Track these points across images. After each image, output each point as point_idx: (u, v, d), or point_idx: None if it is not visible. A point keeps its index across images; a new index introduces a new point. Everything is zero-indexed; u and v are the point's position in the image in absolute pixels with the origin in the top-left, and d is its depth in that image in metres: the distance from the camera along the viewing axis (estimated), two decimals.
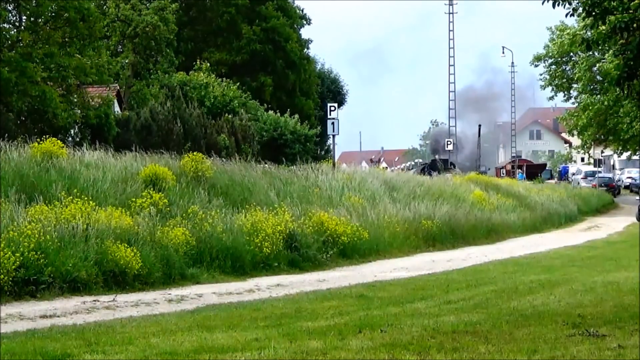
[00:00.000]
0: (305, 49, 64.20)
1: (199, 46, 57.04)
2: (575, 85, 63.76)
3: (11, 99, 29.84)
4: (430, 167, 69.38)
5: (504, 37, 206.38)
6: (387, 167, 74.90)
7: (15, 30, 33.61)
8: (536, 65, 66.15)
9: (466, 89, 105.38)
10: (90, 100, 34.46)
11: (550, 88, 65.90)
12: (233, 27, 57.42)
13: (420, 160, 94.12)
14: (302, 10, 65.22)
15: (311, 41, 66.34)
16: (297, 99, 59.40)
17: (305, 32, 67.24)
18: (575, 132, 67.35)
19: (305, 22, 65.09)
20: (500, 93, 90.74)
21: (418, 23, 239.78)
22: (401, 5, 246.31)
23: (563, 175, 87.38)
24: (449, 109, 73.48)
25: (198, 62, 49.58)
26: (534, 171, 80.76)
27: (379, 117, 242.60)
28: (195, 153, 26.34)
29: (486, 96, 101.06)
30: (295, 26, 61.99)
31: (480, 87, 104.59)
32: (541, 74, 66.07)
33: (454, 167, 69.67)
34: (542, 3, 12.92)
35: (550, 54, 64.05)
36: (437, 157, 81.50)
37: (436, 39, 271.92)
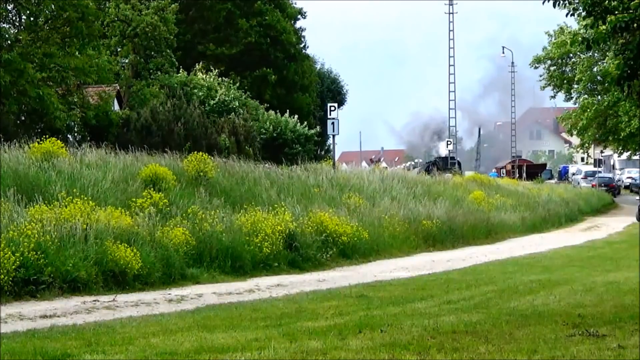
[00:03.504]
0: (302, 42, 64.27)
1: (197, 41, 57.09)
2: (575, 86, 63.74)
3: (8, 101, 29.82)
4: (434, 166, 69.42)
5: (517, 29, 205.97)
6: (387, 167, 74.91)
7: (14, 30, 33.60)
8: (536, 67, 66.16)
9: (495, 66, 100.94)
10: (90, 99, 34.46)
11: (550, 88, 65.88)
12: (230, 23, 57.56)
13: (421, 160, 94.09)
14: (302, 9, 65.32)
15: (304, 29, 66.46)
16: (297, 95, 59.44)
17: (302, 29, 67.26)
18: (574, 132, 67.31)
19: (300, 16, 65.15)
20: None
21: (420, 23, 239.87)
22: (403, 5, 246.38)
23: (563, 175, 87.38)
24: (449, 108, 73.53)
25: (200, 65, 49.55)
26: (534, 171, 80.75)
27: (379, 117, 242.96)
28: (199, 153, 26.35)
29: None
30: (291, 21, 62.04)
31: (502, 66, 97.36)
32: (541, 75, 66.13)
33: (459, 166, 69.64)
34: (543, 3, 12.94)
35: (549, 55, 64.03)
36: (437, 157, 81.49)
37: (440, 38, 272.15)
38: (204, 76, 47.45)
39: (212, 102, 45.18)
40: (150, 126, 37.64)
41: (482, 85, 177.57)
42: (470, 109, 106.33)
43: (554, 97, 67.88)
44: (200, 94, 45.10)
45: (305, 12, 65.49)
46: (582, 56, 61.15)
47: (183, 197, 22.84)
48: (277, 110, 49.89)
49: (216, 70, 48.32)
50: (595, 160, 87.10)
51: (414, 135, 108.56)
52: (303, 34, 65.89)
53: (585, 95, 62.46)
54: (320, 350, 10.11)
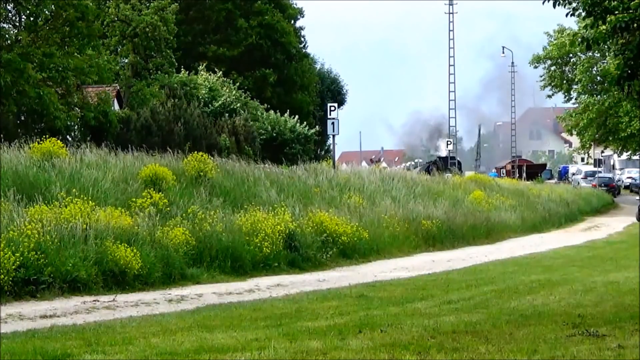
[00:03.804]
0: (302, 42, 64.42)
1: (198, 41, 57.11)
2: (575, 87, 63.73)
3: (8, 101, 29.81)
4: (434, 165, 69.43)
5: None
6: (387, 167, 74.96)
7: (14, 30, 33.59)
8: (535, 67, 66.14)
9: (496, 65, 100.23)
10: (90, 99, 34.46)
11: (549, 88, 65.84)
12: (230, 23, 57.60)
13: (421, 160, 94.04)
14: (301, 9, 65.52)
15: (304, 28, 66.59)
16: (296, 95, 59.47)
17: (301, 28, 67.47)
18: (574, 132, 67.26)
19: (299, 15, 65.26)
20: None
21: (420, 23, 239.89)
22: (403, 5, 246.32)
23: (563, 175, 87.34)
24: (449, 108, 73.47)
25: (203, 66, 49.56)
26: (534, 171, 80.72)
27: (379, 117, 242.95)
28: (199, 153, 26.32)
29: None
30: (290, 21, 62.15)
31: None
32: (541, 76, 66.12)
33: (459, 166, 69.63)
34: (543, 3, 12.93)
35: (549, 55, 64.03)
36: (438, 156, 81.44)
37: (440, 38, 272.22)
38: (208, 76, 47.43)
39: (216, 103, 45.24)
40: (150, 126, 37.65)
41: (483, 84, 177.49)
42: (472, 108, 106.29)
43: (551, 96, 67.89)
44: (206, 95, 45.12)
45: (303, 11, 65.74)
46: (582, 57, 61.12)
47: (183, 197, 22.84)
48: (277, 110, 49.94)
49: (220, 72, 48.38)
50: (595, 160, 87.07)
51: (413, 134, 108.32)
52: (303, 33, 66.09)
53: (585, 96, 62.42)
54: (320, 350, 10.10)
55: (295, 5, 64.47)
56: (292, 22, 63.43)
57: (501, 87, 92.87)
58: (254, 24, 57.34)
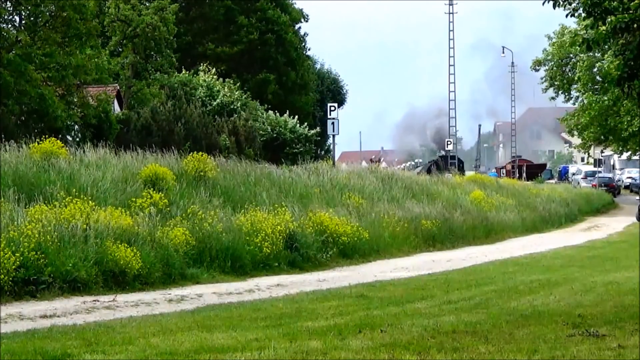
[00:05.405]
0: (303, 45, 64.48)
1: (197, 41, 57.08)
2: (575, 86, 63.65)
3: (9, 102, 29.81)
4: (435, 165, 69.47)
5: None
6: (387, 167, 74.91)
7: (14, 30, 33.58)
8: (536, 70, 66.07)
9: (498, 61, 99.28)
10: (90, 99, 34.47)
11: (552, 89, 65.75)
12: (230, 20, 57.63)
13: (420, 160, 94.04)
14: (302, 11, 65.55)
15: (307, 34, 66.66)
16: (299, 95, 59.48)
17: (304, 30, 67.57)
18: (575, 133, 67.15)
19: (303, 20, 65.30)
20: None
21: (420, 22, 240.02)
22: (403, 5, 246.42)
23: (563, 175, 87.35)
24: (449, 108, 73.42)
25: (204, 66, 49.55)
26: (534, 171, 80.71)
27: (379, 117, 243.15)
28: (199, 153, 26.32)
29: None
30: (293, 23, 62.18)
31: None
32: (542, 77, 66.03)
33: (461, 165, 69.65)
34: (543, 3, 12.93)
35: (550, 57, 63.99)
36: (439, 156, 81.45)
37: (442, 38, 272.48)
38: (205, 77, 47.41)
39: (214, 102, 45.21)
40: (150, 126, 37.66)
41: (486, 77, 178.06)
42: (477, 104, 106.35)
43: (554, 98, 67.80)
44: (203, 94, 45.07)
45: (307, 15, 65.80)
46: (583, 56, 61.00)
47: (183, 197, 22.84)
48: (277, 111, 49.95)
49: (214, 69, 48.31)
50: (595, 160, 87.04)
51: (411, 128, 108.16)
52: (305, 37, 66.14)
53: (584, 96, 62.34)
54: (320, 350, 10.11)
55: (294, 5, 64.49)
56: (295, 26, 63.39)
57: (503, 76, 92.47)
58: (253, 21, 57.32)
